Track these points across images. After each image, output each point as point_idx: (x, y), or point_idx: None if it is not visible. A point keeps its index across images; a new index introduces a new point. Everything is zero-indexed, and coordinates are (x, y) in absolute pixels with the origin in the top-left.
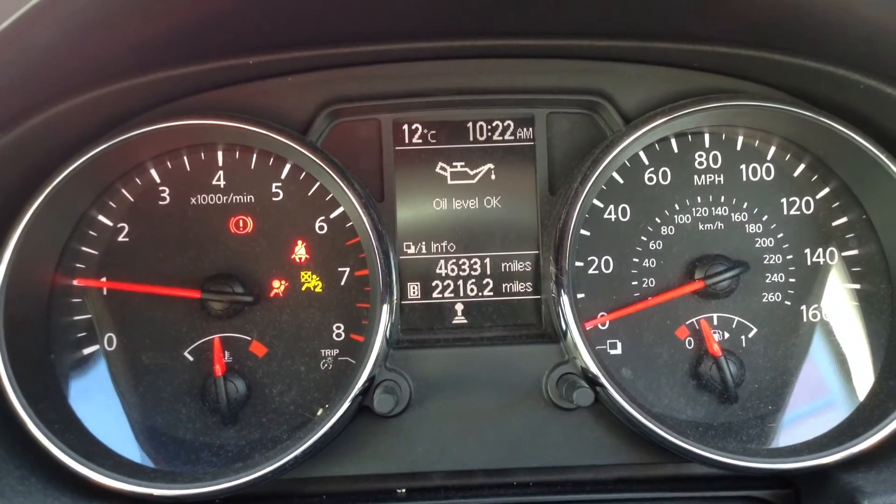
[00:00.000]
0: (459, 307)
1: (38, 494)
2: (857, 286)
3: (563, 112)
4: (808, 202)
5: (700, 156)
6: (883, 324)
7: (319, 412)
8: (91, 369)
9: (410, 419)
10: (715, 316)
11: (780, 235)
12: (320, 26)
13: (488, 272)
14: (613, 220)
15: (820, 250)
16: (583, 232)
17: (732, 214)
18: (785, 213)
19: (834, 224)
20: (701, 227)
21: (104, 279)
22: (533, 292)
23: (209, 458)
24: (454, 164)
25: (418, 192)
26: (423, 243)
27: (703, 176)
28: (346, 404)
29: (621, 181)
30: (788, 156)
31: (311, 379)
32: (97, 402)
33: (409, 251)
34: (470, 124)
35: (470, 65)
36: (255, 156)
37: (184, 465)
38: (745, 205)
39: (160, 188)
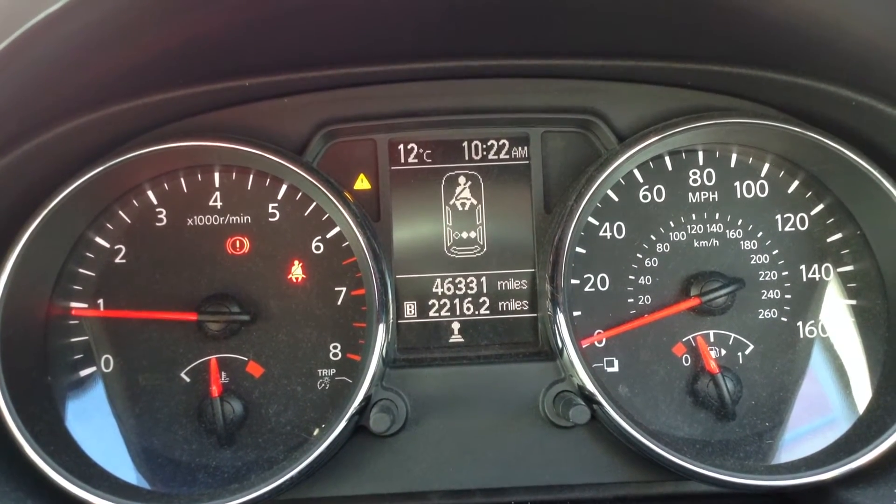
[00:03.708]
0: (456, 326)
1: None
2: (853, 302)
3: (558, 131)
4: (802, 219)
5: (694, 173)
6: (879, 339)
7: (316, 432)
8: (88, 391)
9: (407, 439)
10: (711, 333)
11: (775, 252)
12: (316, 48)
13: (484, 290)
14: (609, 237)
15: (815, 266)
16: (578, 250)
17: (727, 231)
18: (780, 229)
19: (829, 240)
20: (696, 244)
21: (101, 301)
22: (529, 310)
23: (205, 479)
24: (450, 183)
25: (414, 212)
26: (420, 262)
27: (697, 193)
28: (343, 424)
29: (616, 199)
30: (782, 173)
31: (307, 399)
32: (94, 423)
33: (406, 270)
34: (465, 143)
35: (465, 85)
36: (251, 177)
37: (180, 487)
38: (739, 221)
39: (157, 210)
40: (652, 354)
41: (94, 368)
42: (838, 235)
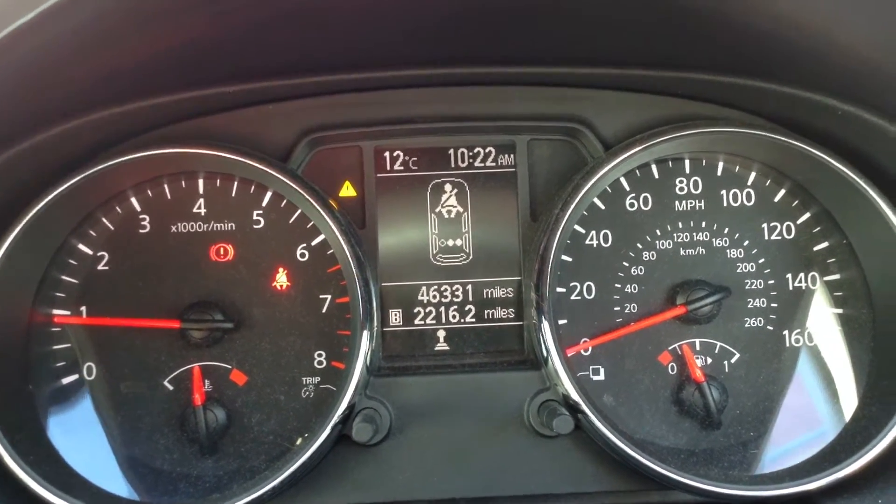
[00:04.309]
0: (441, 334)
1: None
2: (839, 311)
3: (544, 139)
4: (788, 227)
5: (681, 181)
6: (865, 348)
7: (298, 441)
8: (70, 399)
9: (391, 448)
10: (697, 341)
11: (762, 260)
12: (301, 55)
13: (470, 298)
14: (595, 245)
15: (801, 275)
16: (564, 258)
17: (713, 240)
18: (766, 238)
19: (815, 249)
20: (682, 252)
21: (84, 308)
22: (515, 318)
23: (187, 488)
24: (435, 190)
25: (400, 219)
26: (405, 270)
27: (683, 201)
28: (326, 433)
29: (602, 207)
30: (769, 181)
31: (291, 407)
32: (75, 432)
33: (391, 278)
34: (451, 151)
35: (451, 92)
36: (235, 184)
37: (161, 496)
38: (726, 230)
39: (140, 216)
40: (638, 363)
41: (76, 376)
42: (824, 244)
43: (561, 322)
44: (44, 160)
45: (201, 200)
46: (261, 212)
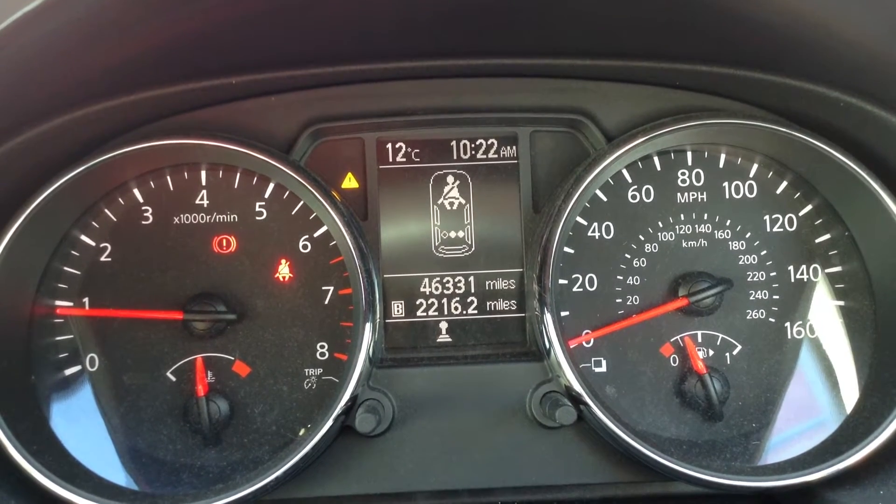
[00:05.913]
0: (444, 325)
1: None
2: (841, 303)
3: (547, 130)
4: (790, 219)
5: (683, 173)
6: (866, 340)
7: (301, 432)
8: (72, 390)
9: (393, 439)
10: (699, 333)
11: (764, 252)
12: (303, 46)
13: (473, 290)
14: (597, 237)
15: (803, 267)
16: (567, 250)
17: (715, 232)
18: (768, 230)
19: (817, 241)
20: (684, 244)
21: (86, 299)
22: (517, 310)
23: (190, 479)
24: (438, 182)
25: (402, 211)
26: (407, 262)
27: (686, 193)
28: (329, 424)
29: (605, 199)
30: (771, 173)
31: (293, 399)
32: (78, 423)
33: (393, 270)
34: (453, 143)
35: (453, 84)
36: (238, 175)
37: (164, 487)
38: (728, 222)
39: (143, 208)
40: (640, 355)
41: (78, 367)
42: (826, 236)
43: (563, 314)
44: (46, 151)
45: (204, 192)
46: (263, 203)
